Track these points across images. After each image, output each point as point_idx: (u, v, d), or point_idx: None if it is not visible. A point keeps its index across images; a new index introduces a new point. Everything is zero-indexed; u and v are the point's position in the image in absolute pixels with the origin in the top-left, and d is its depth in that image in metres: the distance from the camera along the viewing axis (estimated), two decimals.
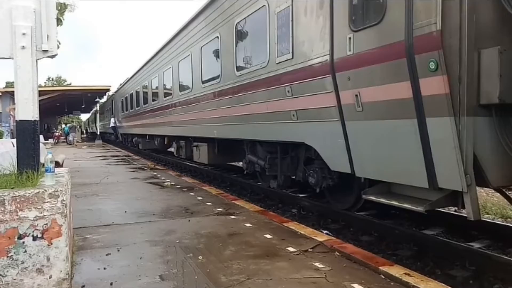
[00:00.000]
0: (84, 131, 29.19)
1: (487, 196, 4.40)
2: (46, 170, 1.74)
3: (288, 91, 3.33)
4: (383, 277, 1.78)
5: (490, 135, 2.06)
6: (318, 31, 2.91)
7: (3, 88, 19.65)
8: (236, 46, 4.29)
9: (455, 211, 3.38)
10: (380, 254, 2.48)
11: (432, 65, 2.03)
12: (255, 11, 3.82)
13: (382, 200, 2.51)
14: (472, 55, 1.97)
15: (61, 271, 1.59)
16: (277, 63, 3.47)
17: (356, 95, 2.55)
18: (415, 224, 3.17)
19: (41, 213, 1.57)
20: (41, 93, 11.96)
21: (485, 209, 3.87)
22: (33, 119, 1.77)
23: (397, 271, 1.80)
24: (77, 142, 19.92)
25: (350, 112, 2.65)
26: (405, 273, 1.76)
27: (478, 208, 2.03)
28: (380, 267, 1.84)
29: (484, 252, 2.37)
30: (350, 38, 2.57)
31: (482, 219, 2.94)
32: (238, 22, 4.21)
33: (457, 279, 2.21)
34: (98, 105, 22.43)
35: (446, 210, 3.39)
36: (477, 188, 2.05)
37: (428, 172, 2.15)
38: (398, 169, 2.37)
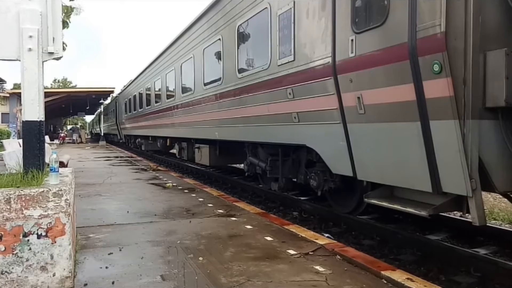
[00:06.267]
0: (89, 133, 29.73)
1: (494, 202, 4.32)
2: (51, 170, 1.77)
3: (290, 93, 3.33)
4: (385, 281, 1.76)
5: (496, 139, 2.03)
6: (320, 33, 2.92)
7: (11, 89, 20.09)
8: (238, 48, 4.31)
9: (461, 216, 3.32)
10: (383, 258, 2.44)
11: (436, 68, 2.01)
12: (257, 13, 3.84)
13: (385, 204, 2.47)
14: (477, 57, 1.94)
15: (64, 269, 1.61)
16: (278, 65, 3.48)
17: (358, 98, 2.54)
18: (418, 228, 3.12)
19: (45, 211, 1.59)
20: (47, 94, 12.16)
21: (492, 214, 3.79)
22: (39, 120, 1.81)
23: (399, 276, 1.77)
24: (79, 142, 22.54)
25: (352, 115, 2.63)
26: (408, 278, 1.74)
27: (483, 214, 1.99)
28: (382, 272, 1.82)
29: (490, 258, 2.32)
30: (352, 40, 2.56)
31: (488, 224, 2.89)
32: (240, 25, 4.24)
33: (462, 285, 2.17)
34: (102, 106, 22.74)
35: (451, 214, 3.34)
36: (484, 193, 2.01)
37: (431, 176, 2.12)
38: (401, 173, 2.34)
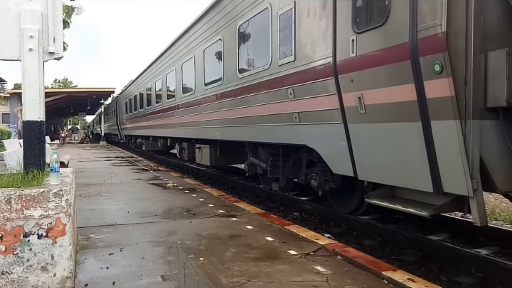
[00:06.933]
0: (89, 134, 30.06)
1: (496, 202, 4.31)
2: (52, 170, 1.77)
3: (290, 93, 3.33)
4: (386, 282, 1.75)
5: (497, 139, 2.02)
6: (321, 33, 2.91)
7: (12, 89, 20.14)
8: (238, 48, 4.32)
9: (462, 216, 3.32)
10: (384, 259, 2.44)
11: (437, 67, 2.00)
12: (257, 13, 3.85)
13: (386, 204, 2.47)
14: (478, 57, 1.94)
15: (65, 270, 1.61)
16: (279, 65, 3.48)
17: (359, 98, 2.54)
18: (420, 229, 3.11)
19: (46, 212, 1.59)
20: (47, 94, 12.19)
21: (493, 215, 3.79)
22: (39, 120, 1.81)
23: (400, 276, 1.77)
24: (77, 141, 23.62)
25: (353, 115, 2.63)
26: (409, 279, 1.73)
27: (484, 214, 1.99)
28: (383, 272, 1.81)
29: (492, 259, 2.32)
30: (353, 40, 2.56)
31: (490, 225, 2.88)
32: (241, 25, 4.24)
33: (463, 286, 2.16)
34: (102, 106, 22.76)
35: (452, 215, 3.33)
36: (485, 193, 2.01)
37: (432, 176, 2.11)
38: (401, 173, 2.34)
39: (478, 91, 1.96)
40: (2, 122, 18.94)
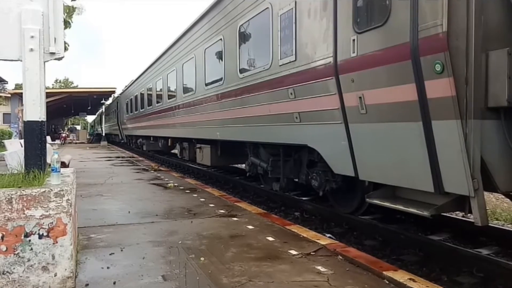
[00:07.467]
0: (89, 134, 30.01)
1: (497, 202, 4.30)
2: (52, 170, 1.77)
3: (291, 93, 3.33)
4: (387, 282, 1.75)
5: (498, 139, 2.02)
6: (322, 33, 2.92)
7: (12, 90, 20.19)
8: (239, 48, 4.32)
9: (463, 216, 3.31)
10: (385, 259, 2.44)
11: (438, 67, 2.00)
12: (258, 13, 3.85)
13: (387, 204, 2.47)
14: (479, 57, 1.94)
15: (65, 269, 1.61)
16: (280, 65, 3.48)
17: (360, 98, 2.54)
18: (421, 229, 3.11)
19: (47, 211, 1.59)
20: (48, 94, 12.21)
21: (494, 215, 3.78)
22: (40, 120, 1.81)
23: (401, 276, 1.77)
24: (76, 141, 23.73)
25: (354, 115, 2.63)
26: (410, 279, 1.73)
27: (486, 214, 1.99)
28: (384, 272, 1.81)
29: (493, 259, 2.31)
30: (354, 40, 2.56)
31: (491, 225, 2.88)
32: (242, 25, 4.25)
33: (464, 286, 2.16)
34: (103, 106, 22.79)
35: (453, 215, 3.32)
36: (486, 193, 2.00)
37: (433, 176, 2.11)
38: (402, 173, 2.34)
39: (479, 91, 1.96)
40: (3, 122, 19.01)
